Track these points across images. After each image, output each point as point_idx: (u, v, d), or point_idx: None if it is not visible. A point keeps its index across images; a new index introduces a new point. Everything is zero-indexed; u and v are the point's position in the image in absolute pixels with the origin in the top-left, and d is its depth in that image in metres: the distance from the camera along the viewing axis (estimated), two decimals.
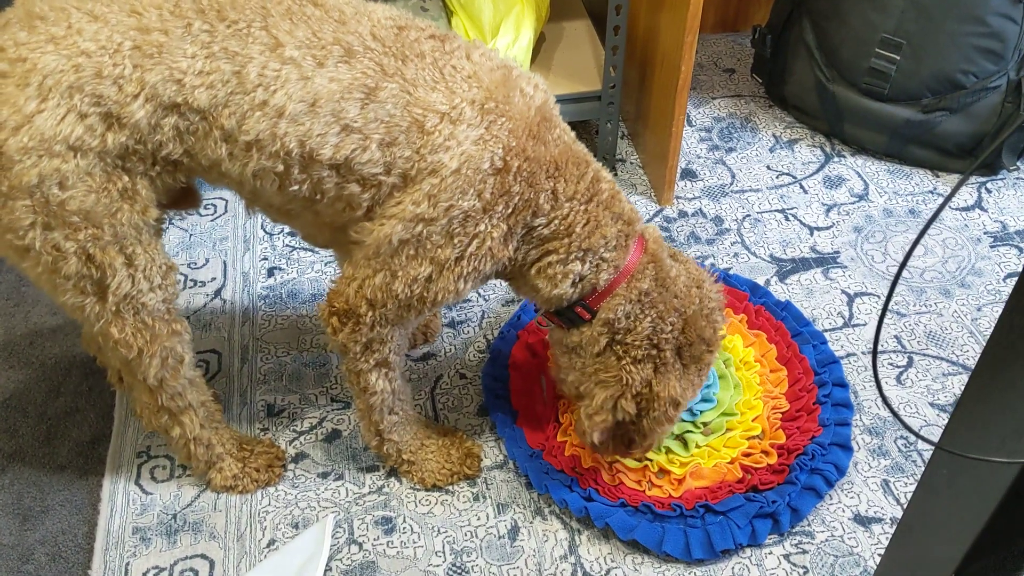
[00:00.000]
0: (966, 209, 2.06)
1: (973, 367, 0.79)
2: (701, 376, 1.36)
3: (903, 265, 0.69)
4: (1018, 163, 2.15)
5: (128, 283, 1.23)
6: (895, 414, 0.69)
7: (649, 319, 1.30)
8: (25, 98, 1.09)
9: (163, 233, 1.32)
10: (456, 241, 1.22)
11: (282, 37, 1.15)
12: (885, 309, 0.64)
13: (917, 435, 0.71)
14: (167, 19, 1.13)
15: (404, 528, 1.48)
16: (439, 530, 1.48)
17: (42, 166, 1.11)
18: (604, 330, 1.32)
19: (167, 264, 1.29)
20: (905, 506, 1.18)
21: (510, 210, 1.22)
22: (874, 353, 0.62)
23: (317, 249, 1.93)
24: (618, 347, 1.32)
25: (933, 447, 0.78)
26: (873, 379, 1.71)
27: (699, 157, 2.21)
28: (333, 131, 1.16)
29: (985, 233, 2.00)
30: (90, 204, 1.15)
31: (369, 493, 1.53)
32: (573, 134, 1.30)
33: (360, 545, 1.46)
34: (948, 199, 0.68)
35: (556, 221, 1.26)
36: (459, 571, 1.43)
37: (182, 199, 1.37)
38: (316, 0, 1.19)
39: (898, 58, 2.04)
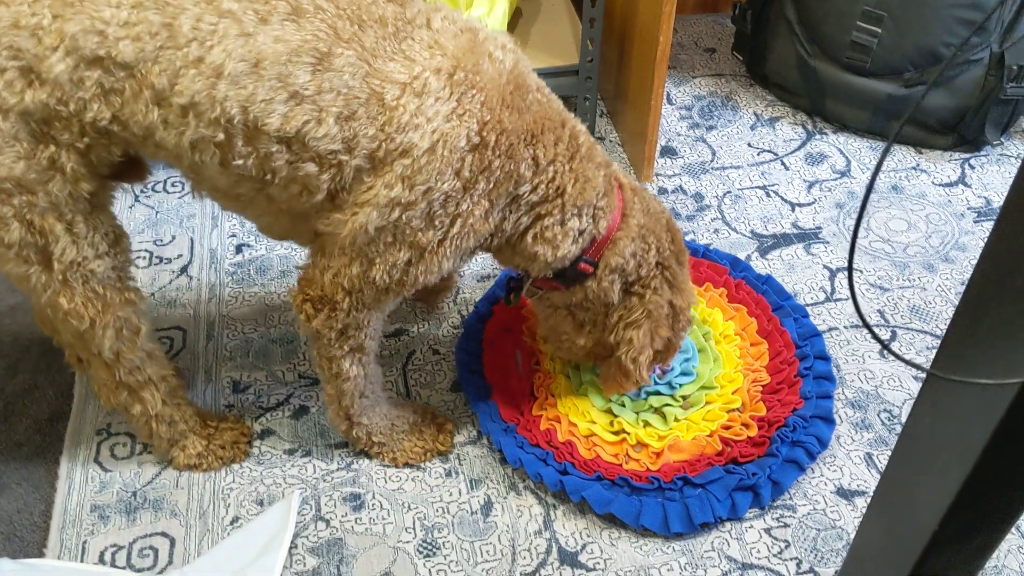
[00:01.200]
0: (950, 185, 2.03)
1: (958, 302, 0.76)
2: (688, 274, 1.40)
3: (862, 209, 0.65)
4: (1001, 138, 2.12)
5: (72, 249, 1.16)
6: (875, 336, 0.65)
7: (653, 248, 1.32)
8: None
9: (112, 202, 1.25)
10: (437, 223, 1.16)
11: None
12: (857, 228, 0.60)
13: (902, 359, 0.67)
14: None
15: (373, 504, 1.43)
16: (409, 506, 1.43)
17: None
18: (614, 276, 1.31)
19: (115, 231, 1.22)
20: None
21: (491, 185, 1.16)
22: (850, 265, 0.58)
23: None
24: (637, 287, 1.34)
25: (925, 373, 0.74)
26: (855, 352, 1.67)
27: (679, 135, 2.17)
28: (280, 98, 1.06)
29: (969, 208, 1.97)
30: (20, 171, 1.09)
31: (337, 469, 1.48)
32: (547, 90, 1.25)
33: (327, 522, 1.41)
34: (885, 152, 0.64)
35: (543, 186, 1.21)
36: (430, 547, 1.38)
37: (126, 171, 1.29)
38: None
39: (880, 31, 2.00)
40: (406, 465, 1.48)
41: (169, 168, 1.63)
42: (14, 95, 1.05)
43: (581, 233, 1.27)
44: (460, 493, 1.45)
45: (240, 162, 1.11)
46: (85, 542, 1.38)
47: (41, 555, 1.37)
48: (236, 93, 1.06)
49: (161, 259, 1.83)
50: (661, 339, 1.37)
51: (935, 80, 0.69)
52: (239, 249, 1.85)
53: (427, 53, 1.11)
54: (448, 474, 1.48)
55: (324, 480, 1.46)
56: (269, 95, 1.06)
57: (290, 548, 1.37)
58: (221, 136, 1.09)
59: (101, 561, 1.36)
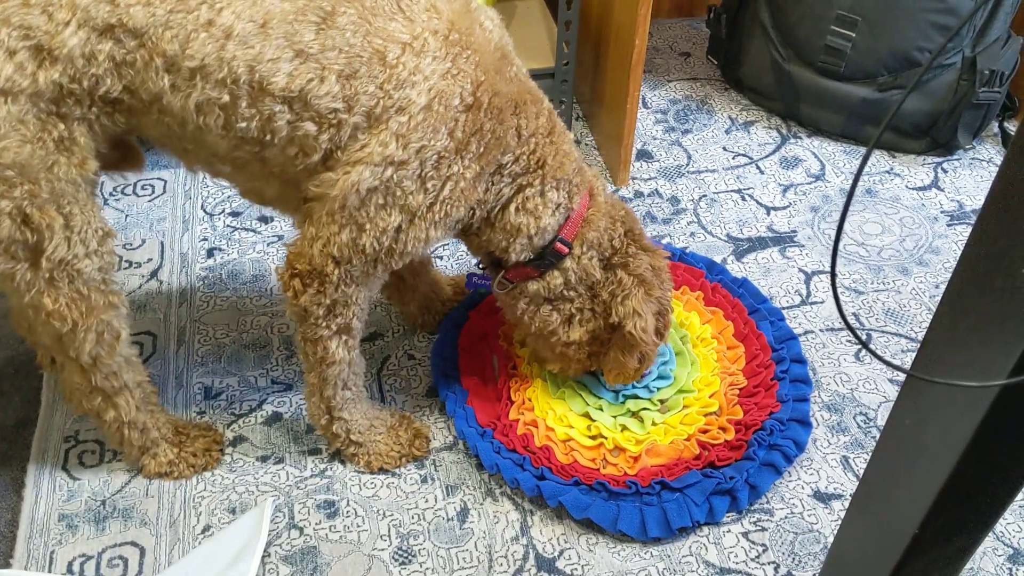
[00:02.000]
0: (923, 188, 2.04)
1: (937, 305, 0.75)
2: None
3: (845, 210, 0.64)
4: (974, 142, 2.14)
5: (64, 247, 1.14)
6: (857, 335, 0.64)
7: (620, 222, 1.35)
8: None
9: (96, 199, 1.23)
10: (429, 186, 1.16)
11: None
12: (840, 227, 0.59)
13: (884, 360, 0.66)
14: None
15: (348, 512, 1.41)
16: (385, 513, 1.41)
17: None
18: (592, 253, 1.34)
19: (103, 228, 1.20)
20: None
21: (482, 149, 1.18)
22: (832, 269, 0.58)
23: (260, 211, 1.86)
24: (616, 258, 1.36)
25: (905, 376, 0.73)
26: (831, 355, 1.67)
27: (655, 139, 2.17)
28: (286, 56, 1.07)
29: (942, 212, 1.98)
30: (25, 156, 1.07)
31: (311, 476, 1.46)
32: (525, 70, 1.27)
33: (301, 530, 1.39)
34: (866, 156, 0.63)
35: (524, 157, 1.24)
36: (405, 555, 1.36)
37: (123, 159, 1.28)
38: None
39: (854, 35, 2.01)
40: (380, 470, 1.46)
41: (150, 166, 1.60)
42: (25, 77, 1.04)
43: (558, 207, 1.29)
44: (436, 499, 1.43)
45: (243, 124, 1.11)
46: (53, 552, 1.35)
47: (7, 565, 1.34)
48: (244, 53, 1.07)
49: (131, 263, 1.80)
50: (655, 300, 1.37)
51: (914, 86, 0.68)
52: (210, 253, 1.82)
53: (425, 15, 1.12)
54: (424, 480, 1.46)
55: (297, 487, 1.44)
56: (276, 54, 1.07)
57: (263, 557, 1.34)
58: (226, 98, 1.09)
59: (69, 571, 1.34)
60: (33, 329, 1.47)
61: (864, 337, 1.71)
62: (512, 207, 1.27)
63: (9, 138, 1.05)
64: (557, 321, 1.39)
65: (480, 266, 1.46)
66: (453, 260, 1.84)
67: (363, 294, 1.28)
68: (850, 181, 2.05)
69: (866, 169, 2.09)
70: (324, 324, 1.28)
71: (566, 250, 1.32)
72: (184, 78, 1.08)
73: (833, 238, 1.87)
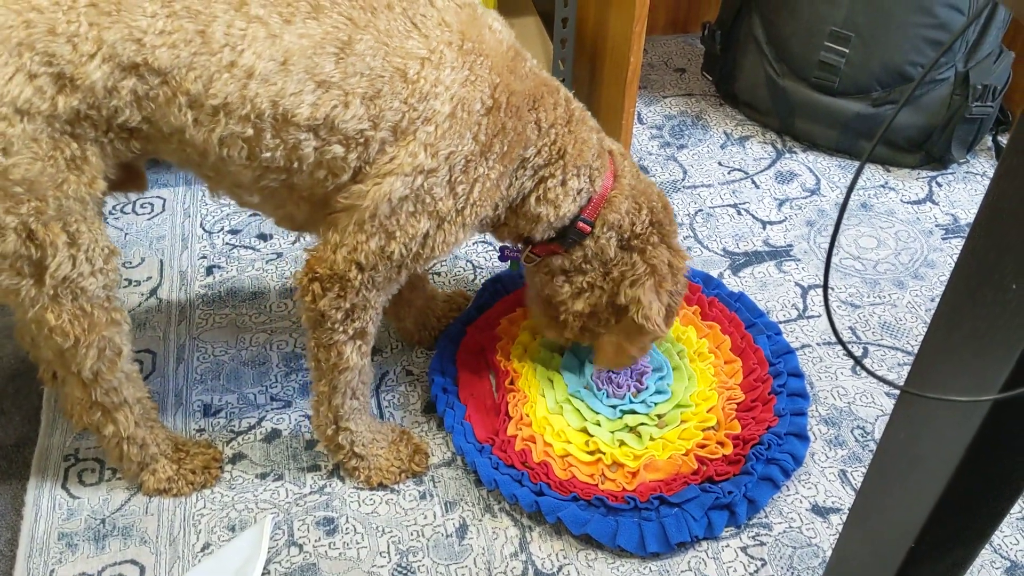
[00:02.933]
0: (917, 202, 2.05)
1: (930, 320, 0.76)
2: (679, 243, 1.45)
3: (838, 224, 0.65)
4: (967, 156, 2.15)
5: (68, 264, 1.16)
6: (853, 356, 0.65)
7: (645, 208, 1.37)
8: None
9: (103, 217, 1.25)
10: (459, 190, 1.20)
11: None
12: (833, 241, 0.60)
13: (877, 376, 0.67)
14: None
15: (347, 528, 1.42)
16: (384, 530, 1.41)
17: None
18: (611, 233, 1.37)
19: (109, 247, 1.21)
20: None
21: (505, 148, 1.22)
22: (825, 284, 0.58)
23: (285, 234, 1.87)
24: (635, 241, 1.38)
25: (898, 391, 0.74)
26: (828, 369, 1.68)
27: (650, 154, 2.18)
28: (308, 88, 1.11)
29: (937, 226, 1.99)
30: (35, 173, 1.08)
31: (310, 493, 1.46)
32: (536, 62, 1.31)
33: (300, 547, 1.39)
34: (859, 171, 0.64)
35: (546, 148, 1.28)
36: (404, 572, 1.36)
37: (128, 180, 1.30)
38: None
39: (847, 51, 2.03)
40: (379, 485, 1.47)
41: (150, 185, 1.61)
42: (44, 100, 1.06)
43: (579, 192, 1.33)
44: (435, 516, 1.44)
45: (267, 154, 1.15)
46: (53, 571, 1.35)
47: None
48: (266, 90, 1.10)
49: (130, 281, 1.80)
50: (666, 294, 1.40)
51: (906, 101, 0.70)
52: (209, 271, 1.83)
53: (438, 30, 1.17)
54: (423, 496, 1.46)
55: (297, 504, 1.44)
56: (298, 88, 1.11)
57: (263, 574, 1.35)
58: (250, 131, 1.12)
59: None
60: (36, 343, 1.48)
61: (860, 351, 1.72)
62: (533, 197, 1.31)
63: (20, 155, 1.07)
64: (567, 292, 1.43)
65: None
66: (450, 276, 1.85)
67: (381, 298, 1.31)
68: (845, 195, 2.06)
69: (861, 183, 2.10)
70: (341, 329, 1.29)
71: (588, 229, 1.36)
72: (207, 114, 1.11)
73: (827, 249, 1.89)
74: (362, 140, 1.15)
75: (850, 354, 0.64)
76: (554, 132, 1.28)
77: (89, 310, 1.21)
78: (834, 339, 1.73)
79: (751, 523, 1.43)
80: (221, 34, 1.08)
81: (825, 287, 0.69)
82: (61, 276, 1.16)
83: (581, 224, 1.35)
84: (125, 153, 1.16)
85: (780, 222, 1.99)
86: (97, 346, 1.25)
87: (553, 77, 1.33)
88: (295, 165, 1.16)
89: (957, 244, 1.95)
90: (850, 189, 0.65)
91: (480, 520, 1.43)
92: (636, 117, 2.25)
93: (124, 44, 1.06)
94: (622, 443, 1.49)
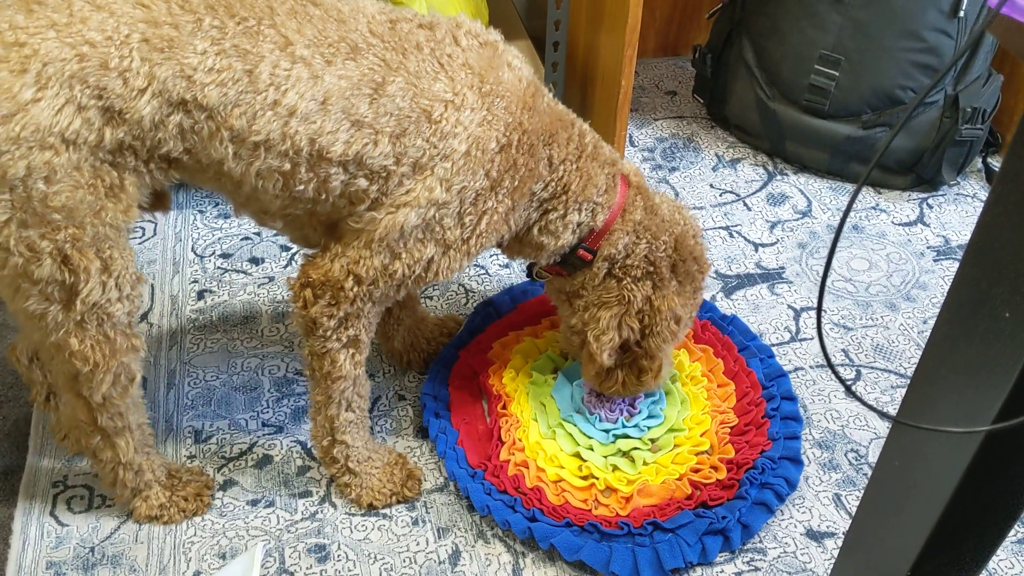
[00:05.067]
0: (909, 224, 2.06)
1: (923, 348, 0.76)
2: (696, 296, 1.46)
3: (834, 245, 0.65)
4: (958, 178, 2.16)
5: (99, 291, 1.17)
6: (846, 387, 0.65)
7: (644, 242, 1.39)
8: (21, 85, 1.03)
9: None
10: (466, 220, 1.24)
11: (291, 36, 1.13)
12: (829, 263, 0.60)
13: (871, 407, 0.67)
14: (176, 13, 1.10)
15: (339, 556, 1.40)
16: (376, 557, 1.40)
17: (32, 158, 1.05)
18: (605, 264, 1.40)
19: (136, 274, 1.23)
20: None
21: (515, 183, 1.26)
22: (819, 310, 0.58)
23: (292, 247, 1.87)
24: (618, 270, 1.40)
25: (891, 422, 0.74)
26: (821, 392, 1.68)
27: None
28: (344, 128, 1.15)
29: (928, 247, 2.00)
30: (75, 201, 1.09)
31: (302, 520, 1.45)
32: (552, 95, 1.34)
33: (292, 574, 1.38)
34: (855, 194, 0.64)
35: (553, 184, 1.32)
36: None
37: (156, 202, 1.31)
38: (315, 0, 1.18)
39: (837, 74, 2.04)
40: (370, 507, 1.46)
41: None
42: (91, 132, 1.08)
43: (579, 225, 1.37)
44: (427, 542, 1.43)
45: (300, 187, 1.19)
46: None
47: None
48: (306, 128, 1.14)
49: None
50: (628, 329, 1.41)
51: (899, 128, 0.70)
52: (201, 295, 1.82)
53: (463, 73, 1.21)
54: (415, 522, 1.45)
55: (288, 531, 1.43)
56: (335, 127, 1.15)
57: None
58: (288, 166, 1.17)
59: None
60: (34, 366, 1.47)
61: (853, 373, 1.72)
62: (536, 228, 1.35)
63: (63, 183, 1.08)
64: (568, 312, 1.48)
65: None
66: (443, 300, 1.85)
67: (376, 310, 1.32)
68: (837, 217, 2.07)
69: (854, 205, 2.11)
70: (334, 336, 1.30)
71: (590, 257, 1.40)
72: (248, 149, 1.15)
73: (821, 274, 1.89)
74: (385, 174, 1.20)
75: (846, 387, 0.64)
76: (563, 168, 1.31)
77: (112, 336, 1.22)
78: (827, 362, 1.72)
79: (745, 548, 1.43)
80: (267, 74, 1.12)
81: (819, 314, 0.68)
82: (91, 302, 1.17)
83: (583, 252, 1.39)
84: (162, 182, 1.19)
85: (772, 244, 2.00)
86: (114, 372, 1.25)
87: (569, 110, 1.36)
88: (323, 196, 1.21)
89: (949, 265, 1.95)
90: (845, 214, 0.65)
91: (473, 546, 1.42)
92: (628, 140, 2.26)
93: (175, 80, 1.09)
94: (615, 468, 1.48)
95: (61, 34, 1.05)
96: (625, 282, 1.40)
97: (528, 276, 1.54)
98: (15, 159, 1.04)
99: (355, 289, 1.26)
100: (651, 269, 1.40)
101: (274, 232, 1.81)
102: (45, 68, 1.04)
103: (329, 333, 1.30)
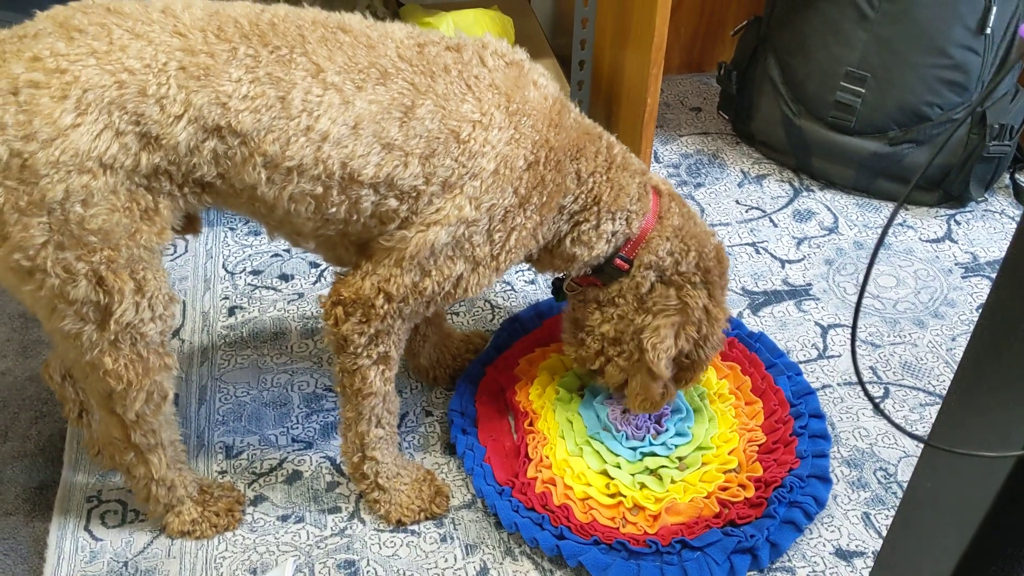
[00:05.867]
0: (936, 241, 2.05)
1: (956, 369, 0.76)
2: (725, 300, 1.46)
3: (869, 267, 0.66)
4: (986, 194, 2.15)
5: (132, 311, 1.19)
6: (877, 408, 0.65)
7: (693, 250, 1.39)
8: (62, 111, 1.06)
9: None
10: (496, 237, 1.26)
11: (322, 63, 1.16)
12: (863, 288, 0.60)
13: (903, 429, 0.67)
14: (212, 42, 1.12)
15: (368, 572, 1.41)
16: (404, 573, 1.41)
17: (70, 182, 1.07)
18: (648, 272, 1.39)
19: (169, 294, 1.25)
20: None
21: (543, 199, 1.27)
22: (853, 331, 0.59)
23: (325, 266, 1.89)
24: (675, 277, 1.39)
25: (922, 444, 0.74)
26: (849, 410, 1.67)
27: None
28: (375, 151, 1.17)
29: (956, 264, 1.99)
30: (111, 224, 1.12)
31: (331, 536, 1.46)
32: (578, 110, 1.35)
33: None
34: (894, 214, 0.65)
35: (583, 196, 1.33)
36: None
37: (188, 225, 1.33)
38: (344, 27, 1.21)
39: (863, 91, 2.04)
40: (398, 523, 1.47)
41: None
42: (128, 157, 1.10)
43: (614, 234, 1.37)
44: (455, 559, 1.43)
45: (333, 210, 1.21)
46: None
47: None
48: (338, 152, 1.17)
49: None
50: (687, 338, 1.40)
51: (935, 154, 0.70)
52: (231, 312, 1.84)
53: (489, 93, 1.23)
54: (443, 539, 1.46)
55: (318, 547, 1.44)
56: (366, 150, 1.17)
57: None
58: (320, 190, 1.19)
59: None
60: (67, 383, 1.49)
61: (882, 391, 1.71)
62: (568, 239, 1.36)
63: (99, 206, 1.11)
64: (597, 319, 1.47)
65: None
66: (469, 316, 1.86)
67: (406, 327, 1.34)
68: (863, 233, 2.07)
69: (879, 221, 2.11)
70: (365, 353, 1.32)
71: (626, 267, 1.40)
72: (281, 174, 1.17)
73: (850, 290, 1.89)
74: (415, 194, 1.21)
75: (876, 407, 0.64)
76: (592, 180, 1.32)
77: (145, 355, 1.24)
78: (856, 379, 1.72)
79: (774, 567, 1.42)
80: (300, 100, 1.14)
81: (853, 334, 0.69)
82: (125, 322, 1.19)
83: (619, 261, 1.39)
84: (196, 206, 1.22)
85: (799, 261, 2.00)
86: (148, 390, 1.27)
87: (596, 124, 1.37)
88: (354, 217, 1.23)
89: (977, 282, 1.95)
90: (883, 235, 0.65)
91: (501, 564, 1.43)
92: (653, 156, 2.26)
93: (211, 107, 1.11)
94: (643, 486, 1.48)
95: (101, 61, 1.08)
96: (686, 289, 1.39)
97: (554, 294, 1.54)
98: (54, 183, 1.07)
99: (385, 307, 1.27)
100: (707, 277, 1.40)
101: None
102: (85, 94, 1.06)
103: (360, 350, 1.31)
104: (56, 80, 1.06)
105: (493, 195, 1.22)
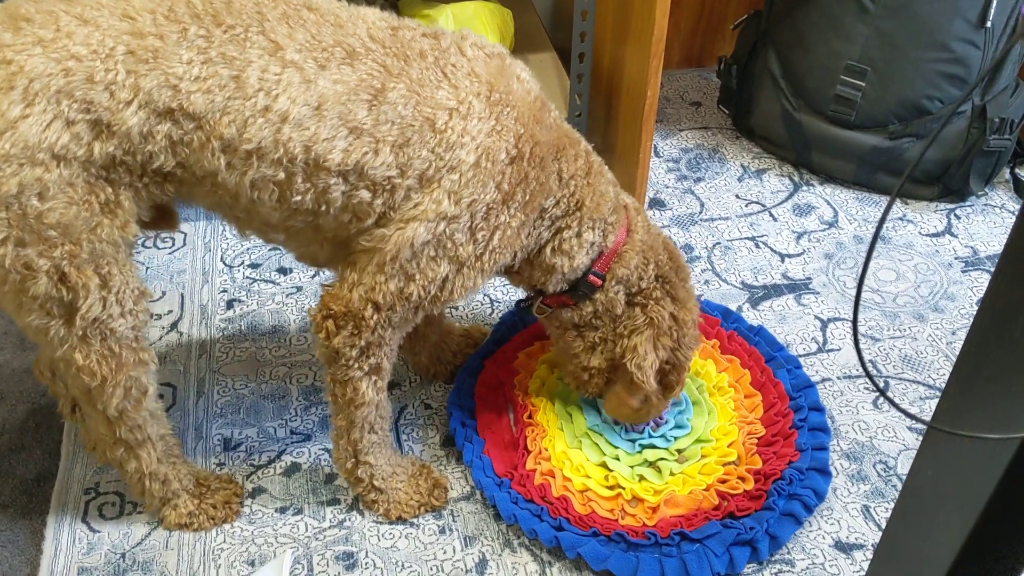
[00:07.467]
0: (936, 235, 2.05)
1: (957, 356, 0.76)
2: (691, 290, 1.45)
3: (867, 263, 0.65)
4: (986, 188, 2.15)
5: (99, 306, 1.17)
6: (880, 390, 0.65)
7: (652, 263, 1.39)
8: (9, 103, 1.03)
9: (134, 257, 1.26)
10: (479, 236, 1.21)
11: (281, 41, 1.11)
12: (862, 282, 0.60)
13: (903, 410, 0.67)
14: (162, 24, 1.09)
15: (366, 563, 1.41)
16: (403, 565, 1.41)
17: (23, 175, 1.05)
18: (620, 288, 1.38)
19: (139, 288, 1.23)
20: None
21: (527, 197, 1.23)
22: (855, 322, 0.58)
23: (304, 269, 1.88)
24: (639, 298, 1.39)
25: (925, 426, 0.74)
26: (849, 403, 1.67)
27: (667, 187, 2.19)
28: (341, 135, 1.12)
29: (956, 258, 1.99)
30: (70, 217, 1.09)
31: (330, 527, 1.46)
32: (558, 113, 1.32)
33: None
34: (888, 208, 0.64)
35: (565, 200, 1.29)
36: None
37: (160, 219, 1.31)
38: (310, 4, 1.16)
39: (863, 85, 2.04)
40: (398, 519, 1.46)
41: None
42: (81, 147, 1.07)
43: (592, 245, 1.34)
44: (454, 551, 1.43)
45: (298, 198, 1.16)
46: None
47: None
48: (299, 135, 1.11)
49: (151, 315, 1.81)
50: (664, 348, 1.39)
51: (925, 149, 0.70)
52: (230, 304, 1.84)
53: (467, 81, 1.18)
54: (442, 531, 1.46)
55: (316, 539, 1.44)
56: (331, 133, 1.12)
57: None
58: (282, 175, 1.14)
59: None
60: (57, 379, 1.49)
61: (882, 384, 1.71)
62: (548, 248, 1.33)
63: (56, 200, 1.08)
64: (580, 347, 1.44)
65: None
66: (467, 311, 1.86)
67: (397, 336, 1.31)
68: (863, 228, 2.06)
69: (878, 216, 2.10)
70: (356, 365, 1.30)
71: (599, 282, 1.37)
72: (240, 159, 1.12)
73: (849, 284, 1.88)
74: (389, 187, 1.16)
75: (882, 393, 0.64)
76: (574, 184, 1.29)
77: (117, 351, 1.22)
78: (855, 372, 1.72)
79: (773, 560, 1.42)
80: (255, 79, 1.09)
81: (855, 324, 0.69)
82: (91, 318, 1.17)
83: (592, 277, 1.36)
84: (159, 197, 1.18)
85: (798, 255, 1.99)
86: (124, 385, 1.25)
87: (574, 129, 1.34)
88: (323, 208, 1.18)
89: (977, 276, 1.94)
90: (879, 228, 0.65)
91: (500, 555, 1.42)
92: (653, 150, 2.26)
93: (160, 90, 1.08)
94: (642, 478, 1.48)
95: (47, 50, 1.05)
96: (650, 306, 1.38)
97: (518, 310, 1.51)
98: (7, 176, 1.04)
99: (375, 317, 1.24)
100: (666, 286, 1.39)
101: None
102: (31, 84, 1.04)
103: (351, 363, 1.29)
104: (2, 71, 1.04)
105: (474, 190, 1.17)
